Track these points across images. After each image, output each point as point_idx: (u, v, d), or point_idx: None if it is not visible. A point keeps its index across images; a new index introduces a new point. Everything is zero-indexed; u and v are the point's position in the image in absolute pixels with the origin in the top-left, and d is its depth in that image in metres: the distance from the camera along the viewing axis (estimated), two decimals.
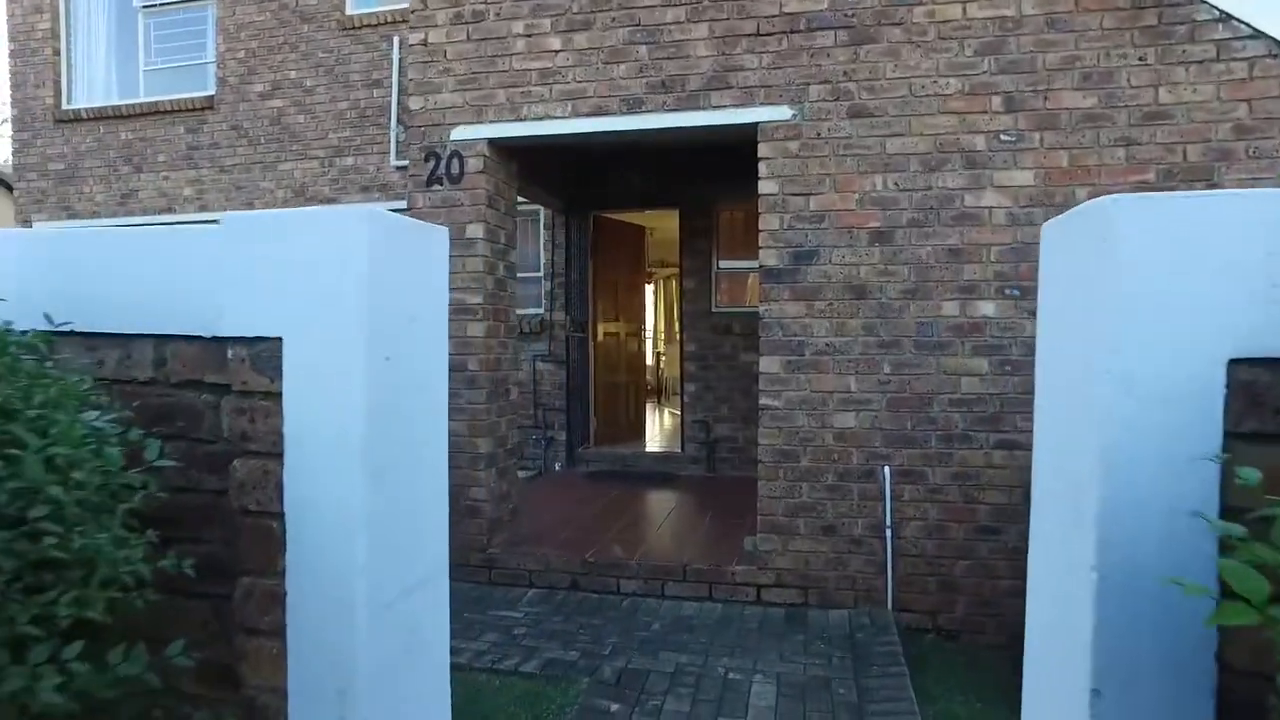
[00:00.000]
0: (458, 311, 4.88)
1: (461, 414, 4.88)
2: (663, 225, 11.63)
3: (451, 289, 4.99)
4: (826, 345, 4.39)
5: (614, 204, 7.82)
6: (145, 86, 9.25)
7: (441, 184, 4.91)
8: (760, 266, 4.48)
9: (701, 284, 7.56)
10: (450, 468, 4.49)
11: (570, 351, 7.51)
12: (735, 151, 7.13)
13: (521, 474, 7.74)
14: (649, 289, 14.51)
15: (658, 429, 9.82)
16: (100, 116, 9.21)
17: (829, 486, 4.41)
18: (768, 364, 4.49)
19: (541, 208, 8.02)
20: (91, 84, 9.48)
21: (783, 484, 4.47)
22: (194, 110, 8.92)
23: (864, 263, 4.34)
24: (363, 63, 8.43)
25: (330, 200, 8.58)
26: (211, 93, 8.92)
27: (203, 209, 8.90)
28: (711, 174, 7.42)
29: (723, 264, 7.60)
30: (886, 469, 4.30)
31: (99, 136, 9.24)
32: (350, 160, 8.50)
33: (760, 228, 4.46)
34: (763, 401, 4.50)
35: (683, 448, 7.65)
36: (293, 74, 8.64)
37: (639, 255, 8.80)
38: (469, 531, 4.89)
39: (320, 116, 8.57)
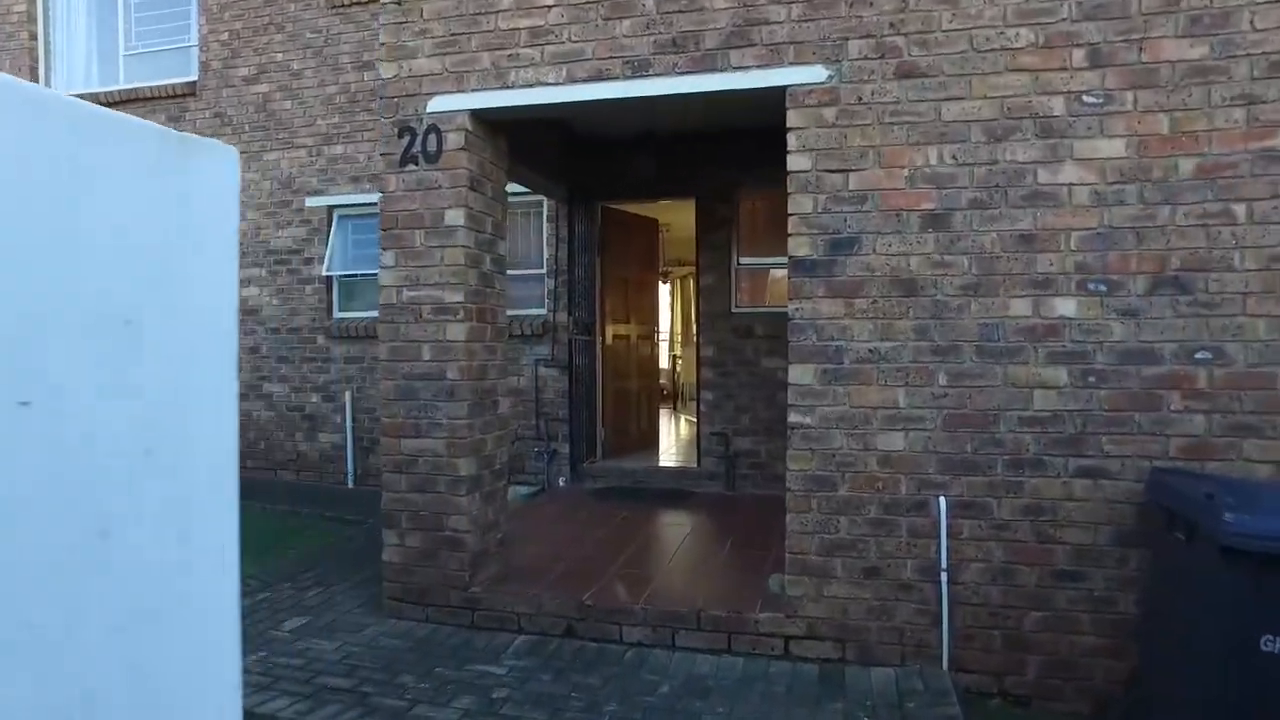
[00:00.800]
0: (435, 311, 4.21)
1: (438, 430, 4.21)
2: (679, 220, 10.93)
3: (426, 284, 4.32)
4: (869, 351, 3.67)
5: (623, 193, 7.12)
6: (125, 72, 8.68)
7: (417, 163, 4.24)
8: (790, 259, 3.77)
9: (720, 281, 6.84)
10: (426, 493, 3.75)
11: (574, 356, 6.81)
12: (759, 132, 6.42)
13: (522, 490, 7.06)
14: (664, 288, 13.82)
15: (673, 440, 9.11)
16: None
17: (872, 520, 3.68)
18: (799, 374, 3.77)
19: (545, 199, 7.34)
20: (71, 70, 8.93)
21: (816, 516, 3.75)
22: (175, 97, 8.33)
23: (914, 252, 3.61)
24: (352, 43, 7.80)
25: (318, 192, 7.96)
26: (194, 78, 8.33)
27: None
28: (732, 158, 6.71)
29: (744, 260, 6.88)
30: (942, 500, 3.57)
31: None
32: (339, 149, 7.88)
33: (790, 211, 3.75)
34: (793, 419, 3.78)
35: (699, 462, 6.93)
36: (279, 56, 8.03)
37: (651, 250, 8.10)
38: (448, 567, 4.22)
39: (308, 102, 7.95)
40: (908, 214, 3.62)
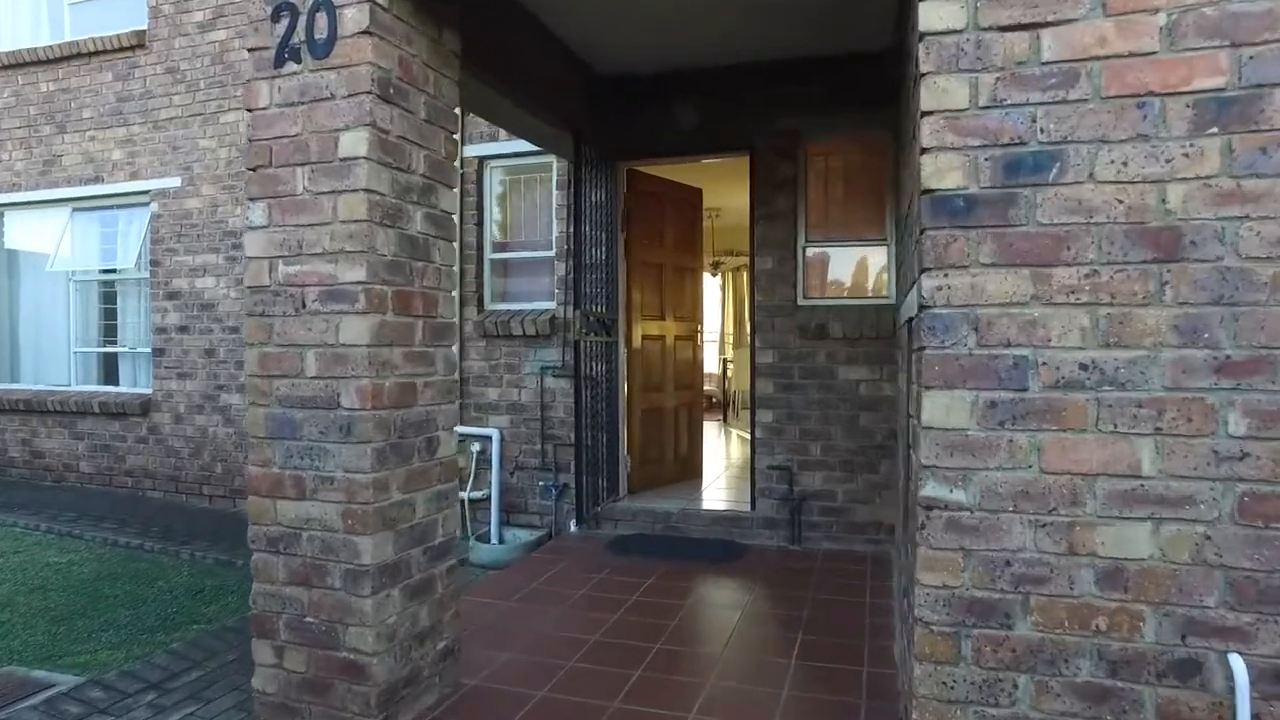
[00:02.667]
0: (324, 298, 2.61)
1: (328, 488, 2.60)
2: (730, 200, 9.21)
3: (311, 253, 2.67)
4: (1081, 369, 1.92)
5: (657, 150, 5.44)
6: (71, 23, 7.34)
7: (299, 60, 2.64)
8: (925, 194, 2.04)
9: (782, 266, 5.12)
10: (313, 588, 2.13)
11: (588, 362, 5.16)
12: (830, 65, 4.68)
13: (522, 535, 5.44)
14: (713, 282, 12.07)
15: (721, 467, 7.37)
16: (17, 64, 7.33)
17: (1084, 689, 1.94)
18: (941, 409, 2.03)
19: (554, 159, 5.70)
20: (17, 25, 7.64)
21: (972, 674, 2.02)
22: (123, 50, 6.95)
23: (1178, 176, 1.86)
24: None
25: None
26: (143, 27, 6.93)
27: (134, 176, 6.91)
28: (796, 101, 5.01)
29: (814, 237, 5.14)
30: (1237, 663, 1.82)
31: (17, 90, 7.37)
32: None
33: (925, 108, 2.02)
34: (929, 490, 2.04)
35: (753, 504, 5.22)
36: None
37: (693, 228, 6.40)
38: (346, 709, 2.60)
39: None
40: (1164, 102, 1.86)
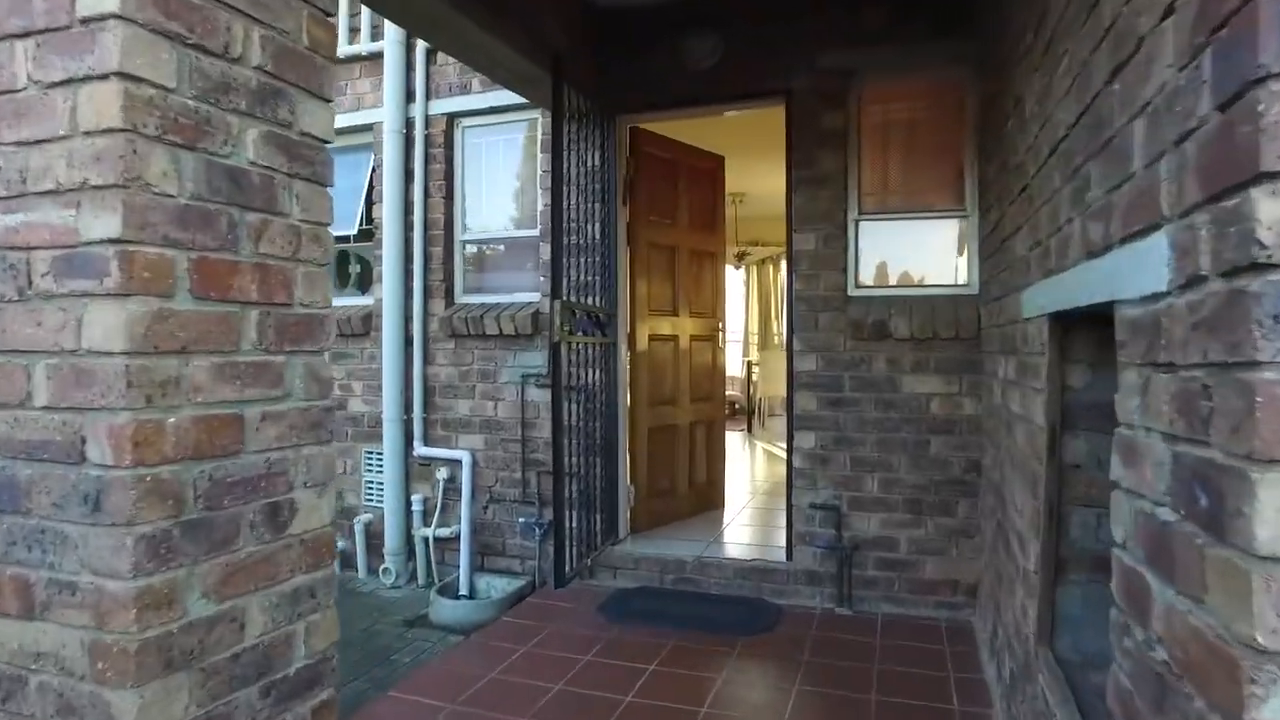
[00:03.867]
0: (62, 268, 1.48)
1: (67, 601, 1.48)
2: (757, 182, 8.07)
3: (33, 190, 1.52)
4: None
5: (665, 98, 4.29)
6: None
7: None
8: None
9: (828, 244, 3.95)
10: None
11: (573, 370, 4.03)
12: None
13: (498, 584, 4.35)
14: (736, 274, 10.89)
15: (747, 496, 6.21)
16: None
17: None
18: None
19: (542, 116, 4.57)
20: None
21: None
22: None
23: None
24: None
25: None
26: None
27: None
28: (847, 28, 3.86)
29: (870, 207, 3.98)
30: None
31: None
32: None
33: None
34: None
35: (789, 551, 4.06)
36: None
37: (713, 204, 5.24)
38: None
39: None
40: None
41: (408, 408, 4.78)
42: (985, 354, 3.54)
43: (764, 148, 6.57)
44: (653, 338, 4.74)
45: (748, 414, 9.54)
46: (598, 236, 4.27)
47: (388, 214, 4.74)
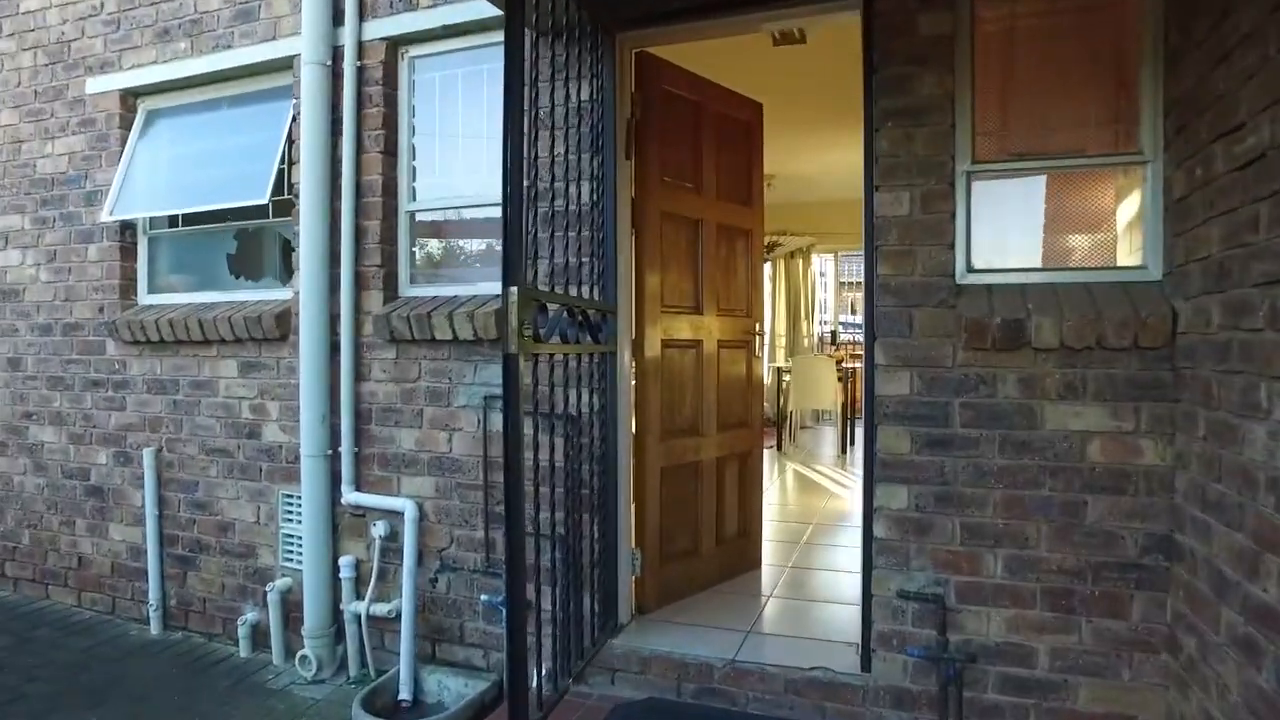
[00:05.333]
0: None
1: None
2: (789, 161, 6.81)
3: None
4: None
5: (682, 4, 3.00)
6: None
7: None
8: None
9: (927, 207, 2.65)
10: None
11: (548, 390, 2.75)
12: None
13: (454, 685, 3.11)
14: (763, 267, 9.56)
15: (792, 555, 4.92)
16: None
17: None
18: None
19: (499, 34, 3.27)
20: None
21: None
22: None
23: None
24: None
25: (109, 66, 4.18)
26: None
27: None
28: None
29: (990, 151, 2.68)
30: None
31: None
32: None
33: None
34: None
35: (866, 658, 2.76)
36: None
37: (746, 160, 3.93)
38: None
39: None
40: None
41: (334, 439, 3.53)
42: (1189, 373, 2.24)
43: (805, 110, 5.28)
44: (667, 344, 3.45)
45: (777, 429, 8.24)
46: (587, 201, 3.00)
47: (306, 176, 3.48)
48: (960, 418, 2.61)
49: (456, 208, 3.62)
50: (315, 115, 3.48)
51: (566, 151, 2.92)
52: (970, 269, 2.67)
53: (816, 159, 7.52)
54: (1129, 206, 2.59)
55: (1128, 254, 2.59)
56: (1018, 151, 2.66)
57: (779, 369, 8.47)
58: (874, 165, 2.71)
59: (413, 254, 3.65)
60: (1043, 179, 2.67)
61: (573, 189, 3.07)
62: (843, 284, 11.92)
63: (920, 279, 2.65)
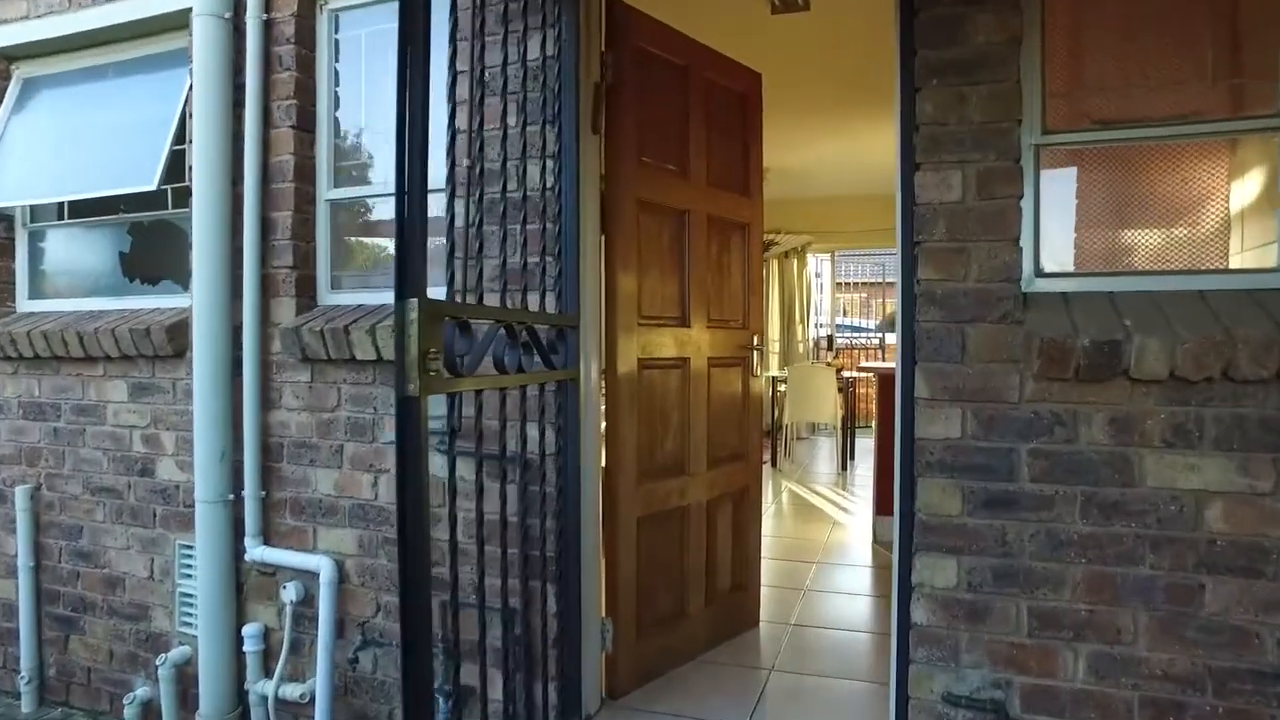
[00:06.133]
0: None
1: None
2: (788, 151, 6.22)
3: None
4: None
5: None
6: None
7: None
8: None
9: (983, 190, 2.00)
10: None
11: (490, 425, 2.10)
12: None
13: None
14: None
15: (796, 605, 4.28)
16: None
17: None
18: None
19: None
20: None
21: None
22: None
23: None
24: None
25: None
26: None
27: None
28: None
29: (1065, 116, 2.03)
30: None
31: None
32: None
33: None
34: None
35: None
36: None
37: (743, 141, 3.27)
38: None
39: None
40: None
41: (237, 480, 2.85)
42: None
43: (804, 94, 4.65)
44: (646, 364, 2.80)
45: (771, 442, 7.61)
46: (542, 185, 2.34)
47: (201, 157, 2.80)
48: (1029, 470, 1.97)
49: (389, 195, 2.96)
50: (212, 81, 2.81)
51: (508, 121, 2.27)
52: (1040, 272, 2.04)
53: (814, 151, 6.91)
54: (1254, 188, 1.96)
55: (1256, 252, 1.95)
56: (1103, 117, 2.02)
57: (773, 378, 7.84)
58: (914, 137, 2.06)
59: (336, 252, 2.98)
60: (1138, 153, 2.03)
61: (518, 169, 2.42)
62: (839, 284, 11.30)
63: (976, 285, 2.01)
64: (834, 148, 6.78)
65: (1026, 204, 2.01)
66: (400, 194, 1.46)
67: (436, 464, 2.62)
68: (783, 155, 7.02)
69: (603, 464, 2.68)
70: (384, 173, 2.95)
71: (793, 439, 8.45)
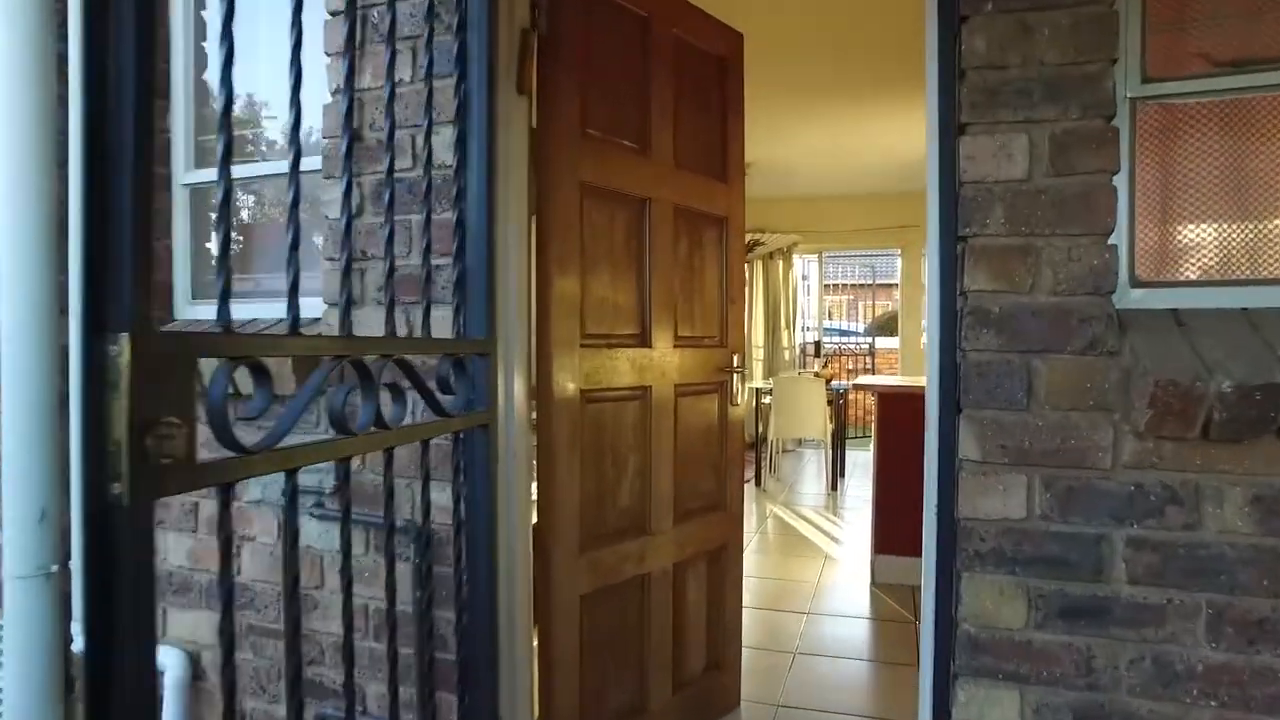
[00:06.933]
0: None
1: None
2: (772, 143, 5.67)
3: None
4: None
5: None
6: None
7: None
8: None
9: (1062, 163, 1.38)
10: None
11: (371, 483, 1.47)
12: None
13: None
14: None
15: (784, 677, 3.66)
16: None
17: None
18: None
19: None
20: None
21: None
22: None
23: None
24: None
25: None
26: None
27: None
28: None
29: (1167, 57, 1.41)
30: None
31: None
32: None
33: None
34: None
35: None
36: None
37: (720, 115, 2.64)
38: None
39: None
40: None
41: (64, 547, 2.19)
42: None
43: (791, 71, 4.05)
44: (592, 395, 2.16)
45: (756, 459, 7.00)
46: (443, 161, 1.71)
47: (8, 126, 2.14)
48: (1128, 567, 1.36)
49: (273, 176, 2.31)
50: (20, 21, 2.15)
51: (429, 81, 1.64)
52: (1136, 280, 1.42)
53: (801, 144, 6.32)
54: None
55: None
56: (1230, 58, 1.41)
57: (757, 389, 7.23)
58: (957, 87, 1.44)
59: (200, 253, 2.33)
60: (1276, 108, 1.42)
61: (422, 141, 1.78)
62: (828, 287, 10.72)
63: (1049, 300, 1.39)
64: (823, 138, 6.20)
65: (1121, 182, 1.39)
66: (87, 167, 0.83)
67: (311, 532, 2.00)
68: (767, 147, 6.43)
69: (525, 526, 2.04)
70: (269, 146, 2.30)
71: (778, 453, 7.85)
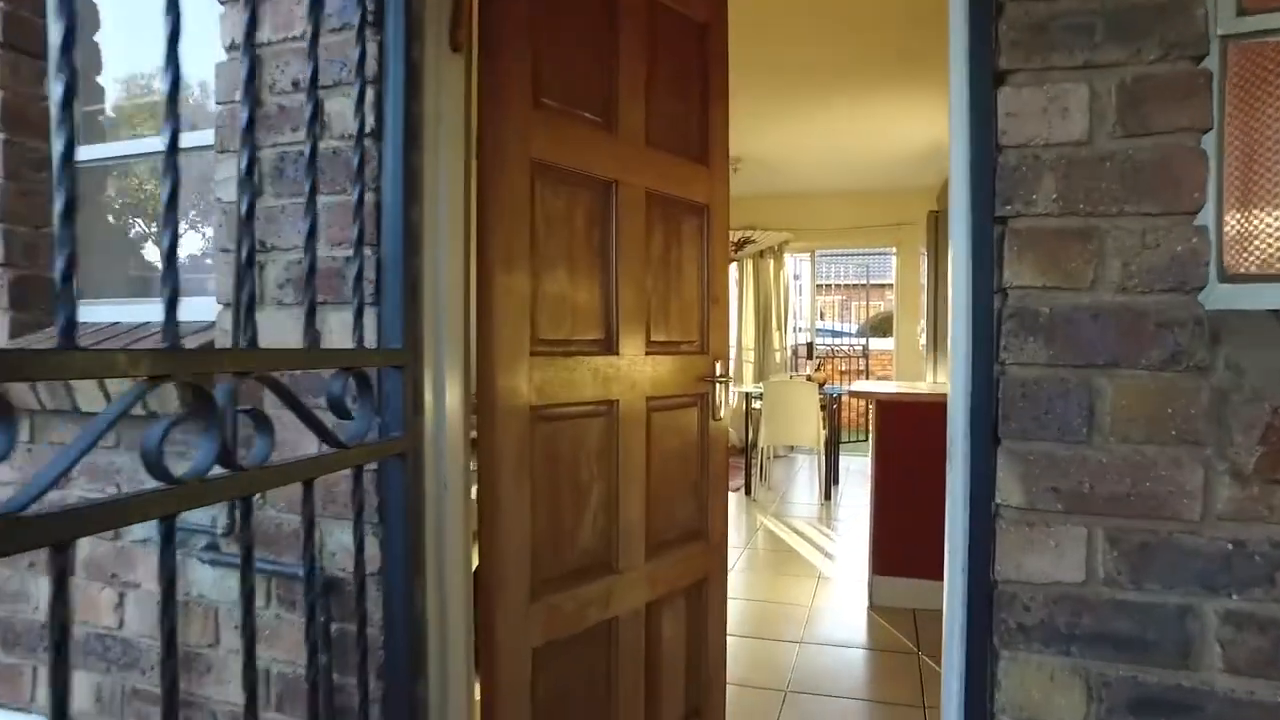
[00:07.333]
0: None
1: None
2: (764, 137, 5.42)
3: None
4: None
5: None
6: None
7: None
8: None
9: (1134, 117, 1.06)
10: None
11: (274, 528, 1.14)
12: None
13: None
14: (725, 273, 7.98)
15: (778, 701, 3.30)
16: None
17: None
18: None
19: None
20: None
21: None
22: None
23: None
24: None
25: None
26: None
27: None
28: None
29: None
30: None
31: None
32: None
33: None
34: None
35: None
36: None
37: (701, 90, 2.31)
38: None
39: None
40: None
41: None
42: None
43: (782, 50, 3.73)
44: (545, 413, 1.83)
45: (745, 466, 6.67)
46: (355, 130, 1.37)
47: None
48: (1225, 650, 1.04)
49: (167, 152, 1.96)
50: None
51: (316, 34, 1.31)
52: (1226, 274, 1.10)
53: (792, 134, 6.00)
54: None
55: None
56: None
57: (747, 394, 6.91)
58: (993, 23, 1.12)
59: (90, 243, 1.99)
60: None
61: (331, 107, 1.46)
62: (820, 286, 10.41)
63: (1117, 299, 1.07)
64: (814, 134, 5.90)
65: (1210, 146, 1.07)
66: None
67: (203, 579, 1.66)
68: (755, 141, 6.11)
69: (466, 569, 1.70)
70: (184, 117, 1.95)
71: (769, 460, 7.52)
